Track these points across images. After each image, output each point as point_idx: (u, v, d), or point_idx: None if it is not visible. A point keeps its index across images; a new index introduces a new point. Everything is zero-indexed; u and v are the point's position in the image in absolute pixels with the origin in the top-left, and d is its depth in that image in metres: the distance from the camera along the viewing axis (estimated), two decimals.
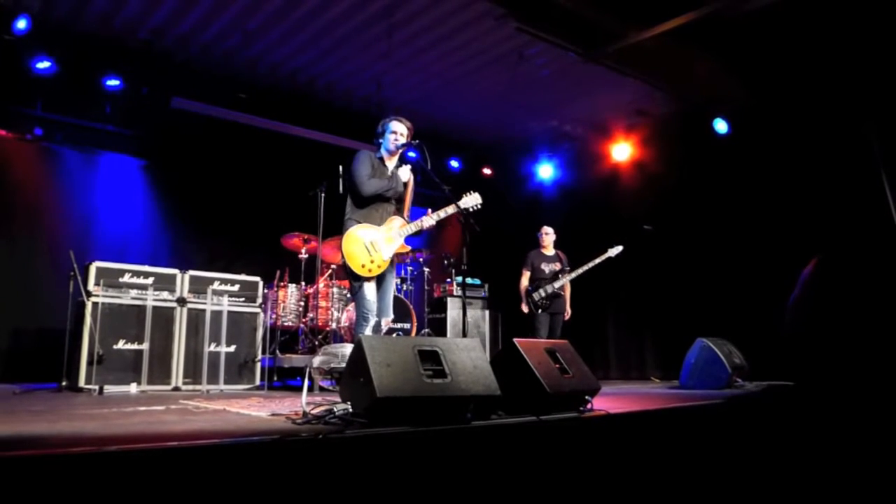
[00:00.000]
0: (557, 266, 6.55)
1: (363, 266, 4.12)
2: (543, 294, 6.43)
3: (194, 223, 7.05)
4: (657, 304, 7.74)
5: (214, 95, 6.99)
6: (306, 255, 6.48)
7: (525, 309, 6.57)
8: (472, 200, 4.33)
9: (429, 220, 4.30)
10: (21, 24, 5.68)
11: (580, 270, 6.45)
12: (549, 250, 6.67)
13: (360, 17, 5.97)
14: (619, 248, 6.54)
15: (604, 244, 6.61)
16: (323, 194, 6.05)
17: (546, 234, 6.69)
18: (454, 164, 8.89)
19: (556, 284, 6.42)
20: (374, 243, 4.17)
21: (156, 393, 4.92)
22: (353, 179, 4.22)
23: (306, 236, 6.38)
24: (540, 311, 6.42)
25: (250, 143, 7.35)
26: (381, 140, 4.41)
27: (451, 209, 4.28)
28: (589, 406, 3.33)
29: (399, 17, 5.96)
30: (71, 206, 6.62)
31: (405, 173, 4.41)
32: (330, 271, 6.47)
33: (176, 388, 5.20)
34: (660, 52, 6.22)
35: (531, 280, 6.57)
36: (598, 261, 6.46)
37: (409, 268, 7.25)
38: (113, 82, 6.50)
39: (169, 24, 6.12)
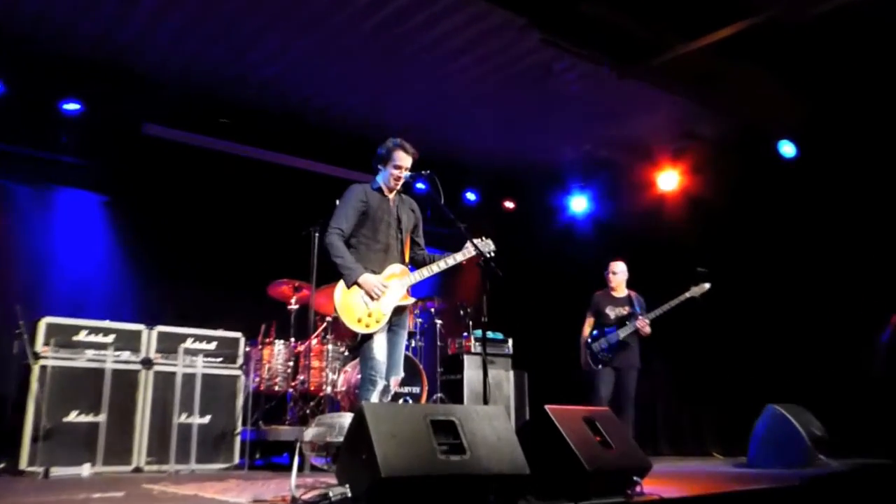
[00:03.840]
0: (625, 310, 6.48)
1: (359, 321, 4.13)
2: (604, 345, 6.37)
3: (165, 270, 7.03)
4: (716, 364, 7.65)
5: (192, 120, 7.11)
6: (296, 307, 6.48)
7: (583, 361, 6.54)
8: (482, 248, 4.36)
9: (435, 267, 4.38)
10: None
11: (651, 315, 6.35)
12: (620, 291, 6.61)
13: (362, 29, 6.07)
14: (706, 287, 6.34)
15: (648, 288, 6.58)
16: (317, 234, 6.02)
17: (613, 273, 6.62)
18: (470, 196, 8.97)
19: (621, 333, 6.34)
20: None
21: (113, 475, 4.87)
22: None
23: (297, 284, 6.38)
24: (601, 365, 6.35)
25: (232, 174, 7.45)
26: (381, 168, 4.44)
27: (459, 256, 4.38)
28: (638, 489, 3.30)
29: (405, 28, 6.06)
30: (19, 251, 6.60)
31: (407, 212, 4.46)
32: (325, 325, 6.46)
33: (138, 469, 5.10)
34: (709, 66, 6.30)
35: (595, 327, 6.50)
36: (676, 302, 6.31)
37: (419, 320, 7.24)
38: (72, 106, 6.60)
39: (140, 40, 6.22)
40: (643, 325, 6.27)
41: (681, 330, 7.50)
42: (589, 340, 6.50)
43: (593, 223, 9.06)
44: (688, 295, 6.33)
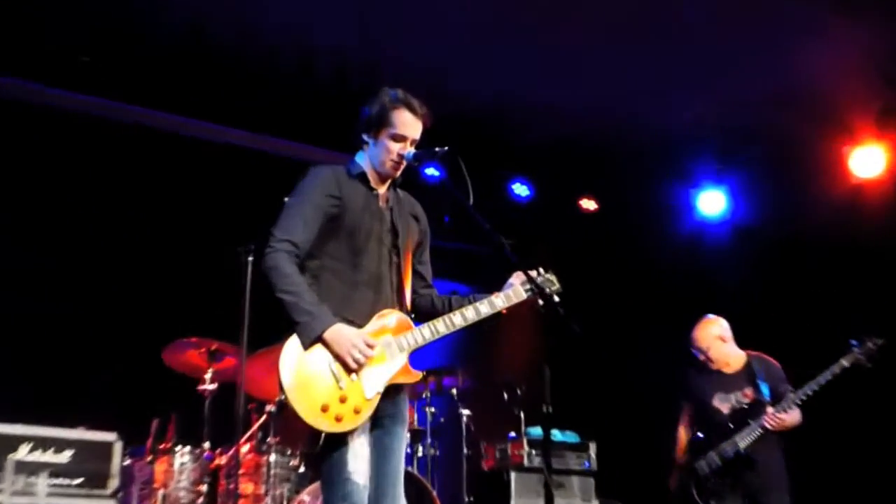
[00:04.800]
0: (747, 395, 6.46)
1: (324, 410, 3.90)
2: (713, 465, 6.35)
3: None
4: None
5: (35, 63, 7.18)
6: (214, 386, 6.46)
7: (673, 485, 6.69)
8: (540, 285, 4.32)
9: (458, 319, 4.29)
10: None
11: (795, 398, 6.28)
12: (731, 365, 6.59)
13: None
14: (875, 345, 6.34)
15: (832, 341, 6.53)
16: (251, 258, 5.97)
17: (702, 349, 6.64)
18: (520, 189, 9.17)
19: (742, 441, 6.27)
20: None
21: None
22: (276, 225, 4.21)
23: (214, 345, 6.41)
24: (712, 501, 6.33)
25: (107, 152, 7.59)
26: (368, 139, 4.34)
27: (500, 301, 4.36)
28: None
29: None
30: None
31: (407, 218, 4.46)
32: (264, 419, 6.49)
33: None
34: None
35: (696, 432, 6.59)
36: (830, 375, 6.28)
37: (430, 409, 7.33)
38: None
39: None
40: (776, 421, 6.23)
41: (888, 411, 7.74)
42: (690, 448, 6.62)
43: (734, 232, 9.36)
44: (845, 363, 6.32)
